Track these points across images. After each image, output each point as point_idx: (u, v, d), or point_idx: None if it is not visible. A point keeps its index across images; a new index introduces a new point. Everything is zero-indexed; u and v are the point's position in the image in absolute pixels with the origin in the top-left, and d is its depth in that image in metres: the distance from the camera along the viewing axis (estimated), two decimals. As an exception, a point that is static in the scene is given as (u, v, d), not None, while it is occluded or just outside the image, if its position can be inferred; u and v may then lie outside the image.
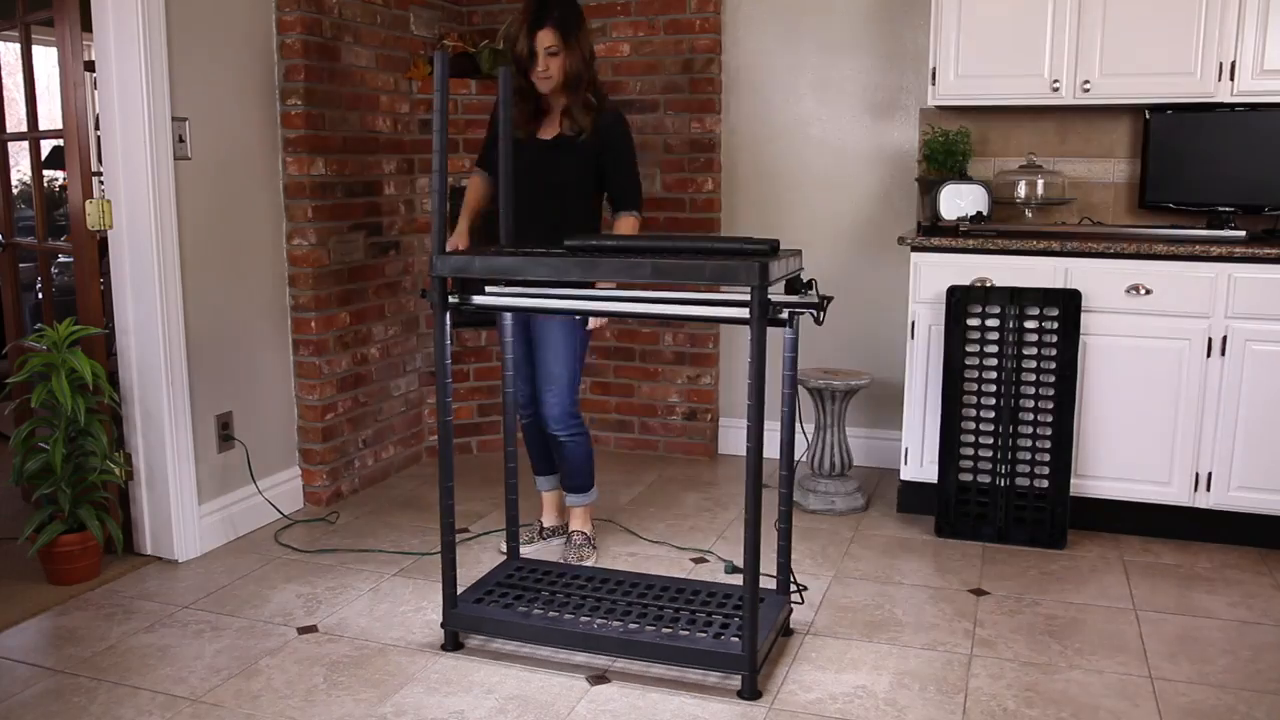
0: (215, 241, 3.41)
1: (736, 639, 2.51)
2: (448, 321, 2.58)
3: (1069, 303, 3.36)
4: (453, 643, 2.72)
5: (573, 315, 2.99)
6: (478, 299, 2.65)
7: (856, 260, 4.23)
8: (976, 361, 3.46)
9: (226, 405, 3.49)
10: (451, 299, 2.59)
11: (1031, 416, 3.41)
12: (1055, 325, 3.37)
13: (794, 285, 2.55)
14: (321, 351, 3.77)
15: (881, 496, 3.95)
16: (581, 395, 4.63)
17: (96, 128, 3.31)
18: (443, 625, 2.73)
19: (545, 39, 2.95)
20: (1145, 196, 3.72)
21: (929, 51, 3.72)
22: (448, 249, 2.80)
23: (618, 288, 2.82)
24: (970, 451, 3.48)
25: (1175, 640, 2.79)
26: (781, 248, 2.46)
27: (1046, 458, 3.41)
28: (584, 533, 3.38)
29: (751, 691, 2.47)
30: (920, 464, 3.66)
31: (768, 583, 2.76)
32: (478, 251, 2.72)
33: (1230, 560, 3.33)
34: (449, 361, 2.63)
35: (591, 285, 2.83)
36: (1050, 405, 3.39)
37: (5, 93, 5.59)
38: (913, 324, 3.61)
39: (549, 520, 3.53)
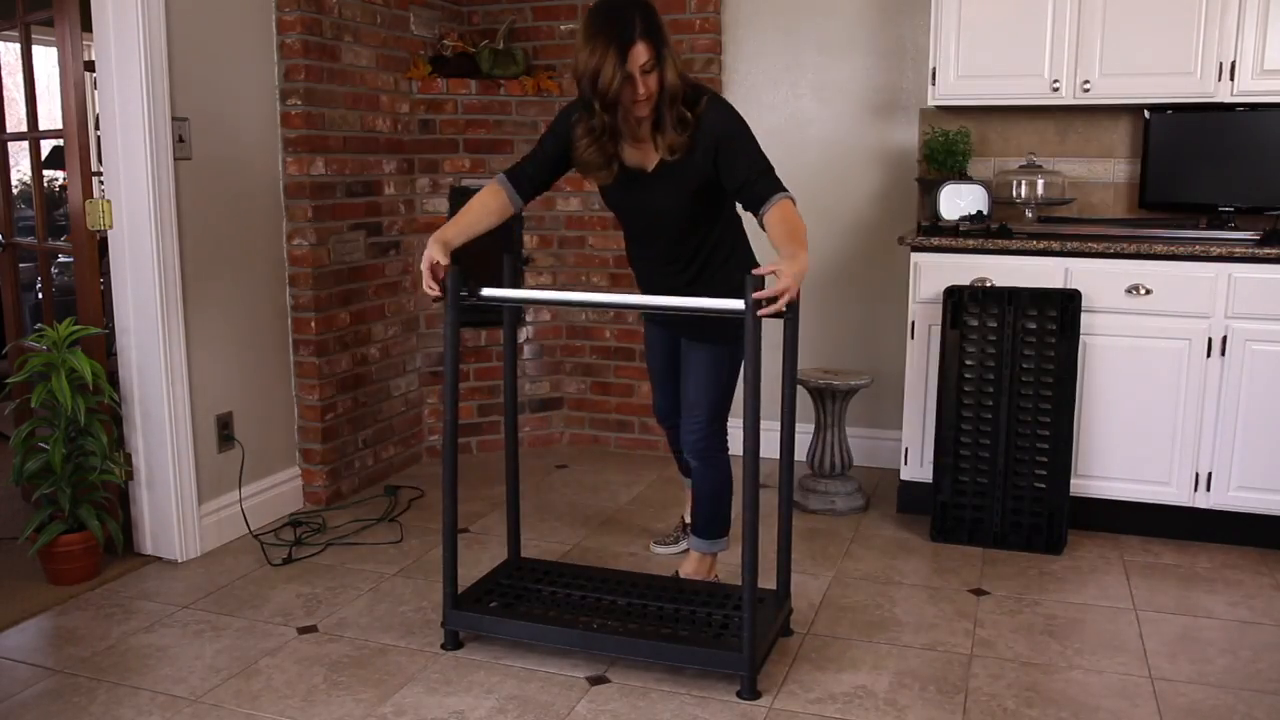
0: (215, 241, 3.41)
1: (736, 639, 2.51)
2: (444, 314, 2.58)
3: (1069, 303, 3.35)
4: (453, 642, 2.72)
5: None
6: (485, 291, 2.60)
7: (856, 260, 4.23)
8: (976, 362, 3.46)
9: (226, 405, 3.49)
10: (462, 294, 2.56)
11: (1031, 417, 3.40)
12: (1055, 325, 3.37)
13: None
14: (321, 351, 3.77)
15: (882, 496, 3.94)
16: (581, 395, 4.65)
17: (96, 128, 3.31)
18: (443, 625, 2.73)
19: (640, 55, 2.41)
20: (1145, 196, 3.72)
21: (929, 51, 3.72)
22: (424, 263, 2.51)
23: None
24: (969, 453, 3.48)
25: (1175, 640, 2.79)
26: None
27: (1045, 459, 3.40)
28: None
29: (751, 692, 2.47)
30: (920, 464, 3.66)
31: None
32: None
33: (1230, 560, 3.32)
34: (457, 348, 2.63)
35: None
36: (1050, 406, 3.38)
37: (5, 93, 5.59)
38: (912, 324, 3.61)
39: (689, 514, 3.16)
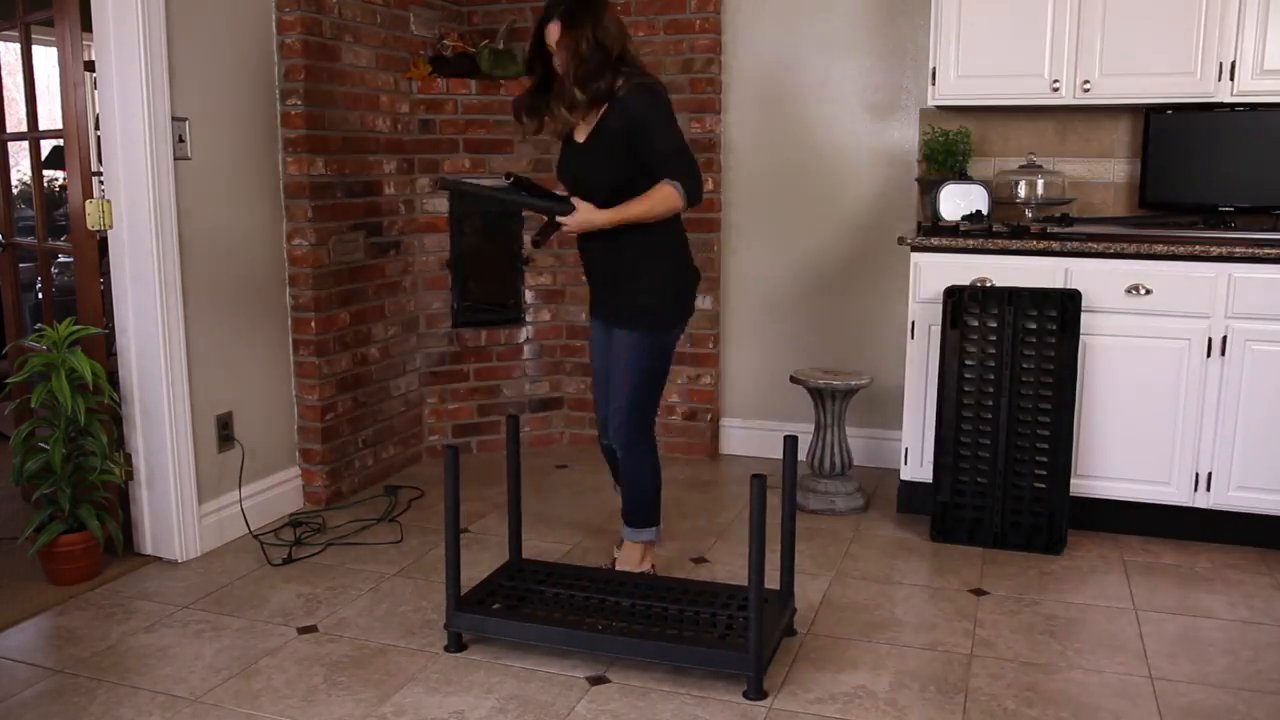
0: (215, 241, 3.41)
1: (742, 639, 2.51)
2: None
3: (1069, 303, 3.35)
4: (456, 644, 2.72)
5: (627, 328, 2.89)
6: None
7: (856, 260, 4.23)
8: (976, 362, 3.46)
9: (226, 405, 3.49)
10: None
11: (1031, 418, 3.40)
12: (1055, 325, 3.37)
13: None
14: (321, 351, 3.77)
15: (881, 496, 3.94)
16: (581, 395, 4.65)
17: (96, 128, 3.31)
18: (446, 626, 2.73)
19: (552, 33, 2.77)
20: (1145, 196, 3.72)
21: (929, 51, 3.72)
22: None
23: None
24: (969, 453, 3.48)
25: (1175, 640, 2.79)
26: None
27: (1045, 459, 3.40)
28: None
29: (757, 692, 2.47)
30: (920, 464, 3.66)
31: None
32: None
33: (1230, 560, 3.33)
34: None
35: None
36: (1050, 406, 3.38)
37: (5, 93, 5.59)
38: (913, 324, 3.61)
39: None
